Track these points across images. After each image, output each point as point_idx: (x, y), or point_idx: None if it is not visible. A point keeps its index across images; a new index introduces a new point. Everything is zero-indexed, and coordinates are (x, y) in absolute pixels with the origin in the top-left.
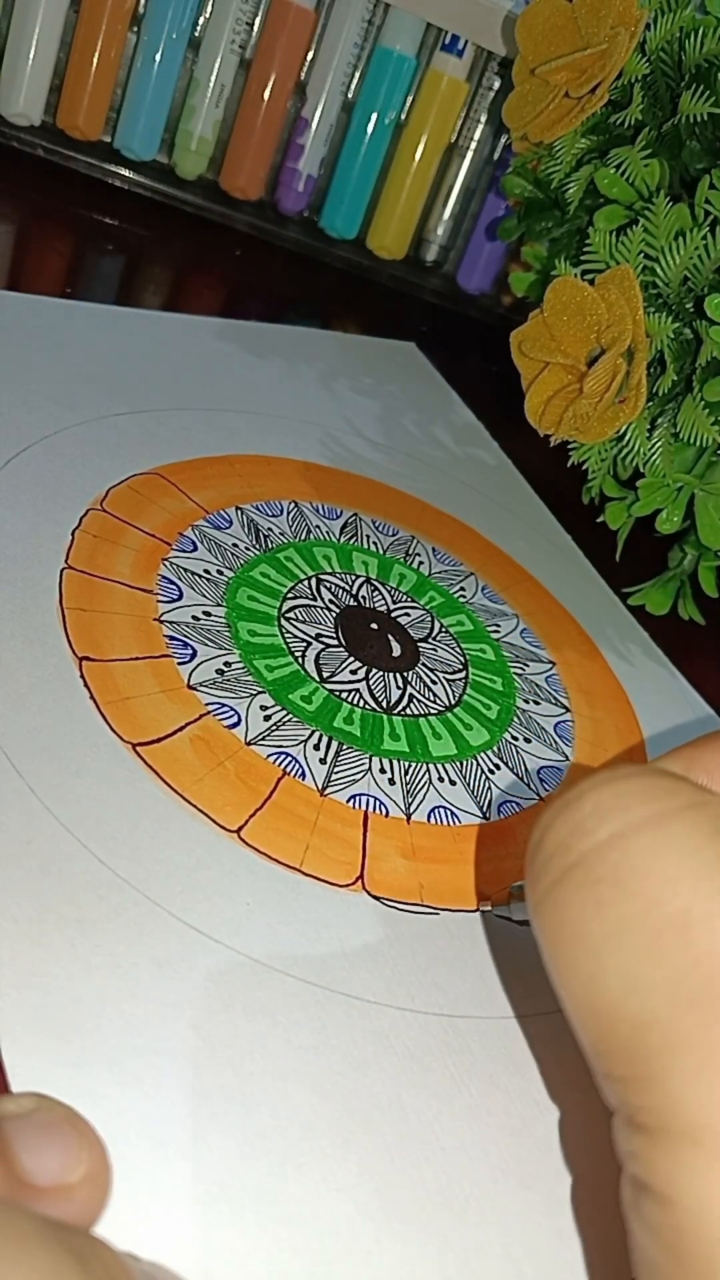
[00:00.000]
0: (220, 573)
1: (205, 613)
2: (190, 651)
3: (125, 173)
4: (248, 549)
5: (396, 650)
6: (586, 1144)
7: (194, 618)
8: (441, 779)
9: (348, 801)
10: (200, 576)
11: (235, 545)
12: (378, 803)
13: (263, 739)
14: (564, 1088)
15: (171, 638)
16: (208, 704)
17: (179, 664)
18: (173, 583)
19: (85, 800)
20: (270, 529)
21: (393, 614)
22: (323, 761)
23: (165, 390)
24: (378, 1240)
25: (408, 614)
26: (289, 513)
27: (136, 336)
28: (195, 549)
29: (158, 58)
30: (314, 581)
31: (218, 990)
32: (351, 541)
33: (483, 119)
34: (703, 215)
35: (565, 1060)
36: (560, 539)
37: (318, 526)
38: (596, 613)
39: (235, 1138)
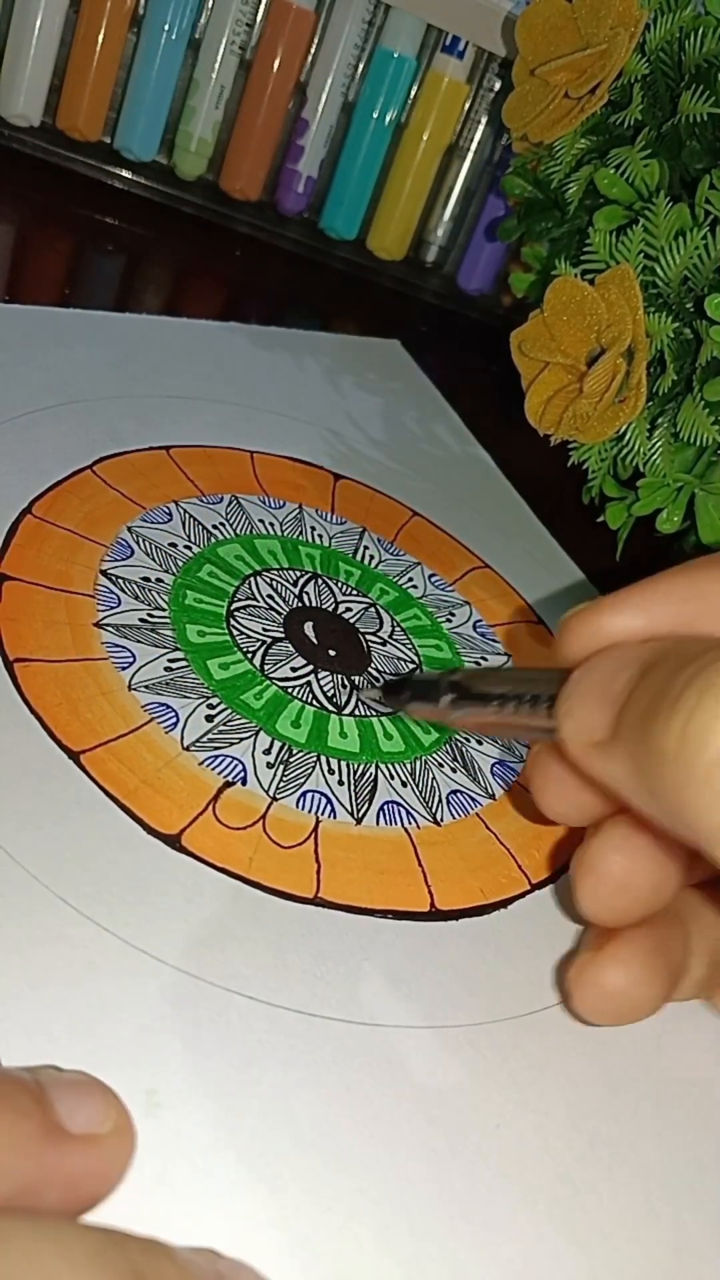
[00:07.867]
0: (160, 580)
1: (148, 615)
2: (130, 655)
3: (125, 173)
4: (187, 547)
5: (346, 648)
6: (593, 1135)
7: (141, 620)
8: (392, 778)
9: (296, 805)
10: (140, 581)
11: (173, 545)
12: (327, 805)
13: (206, 742)
14: (554, 1085)
15: (111, 643)
16: (147, 706)
17: (119, 668)
18: (111, 588)
19: (19, 813)
20: (213, 524)
21: (341, 610)
22: (270, 765)
23: (100, 383)
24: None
25: (357, 609)
26: (228, 505)
27: (77, 331)
28: (132, 553)
29: (158, 58)
30: (259, 579)
31: (163, 1009)
32: (297, 535)
33: (483, 120)
34: (703, 215)
35: (558, 1055)
36: (526, 522)
37: (261, 520)
38: (559, 600)
39: (212, 1168)
